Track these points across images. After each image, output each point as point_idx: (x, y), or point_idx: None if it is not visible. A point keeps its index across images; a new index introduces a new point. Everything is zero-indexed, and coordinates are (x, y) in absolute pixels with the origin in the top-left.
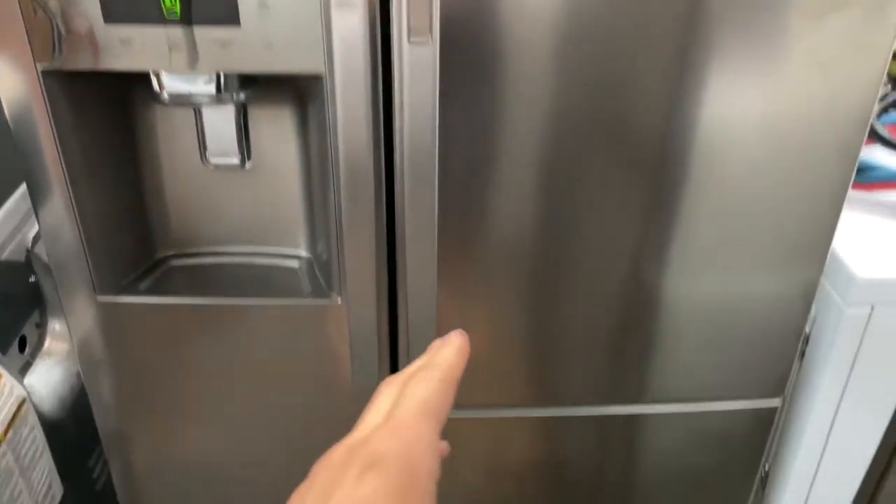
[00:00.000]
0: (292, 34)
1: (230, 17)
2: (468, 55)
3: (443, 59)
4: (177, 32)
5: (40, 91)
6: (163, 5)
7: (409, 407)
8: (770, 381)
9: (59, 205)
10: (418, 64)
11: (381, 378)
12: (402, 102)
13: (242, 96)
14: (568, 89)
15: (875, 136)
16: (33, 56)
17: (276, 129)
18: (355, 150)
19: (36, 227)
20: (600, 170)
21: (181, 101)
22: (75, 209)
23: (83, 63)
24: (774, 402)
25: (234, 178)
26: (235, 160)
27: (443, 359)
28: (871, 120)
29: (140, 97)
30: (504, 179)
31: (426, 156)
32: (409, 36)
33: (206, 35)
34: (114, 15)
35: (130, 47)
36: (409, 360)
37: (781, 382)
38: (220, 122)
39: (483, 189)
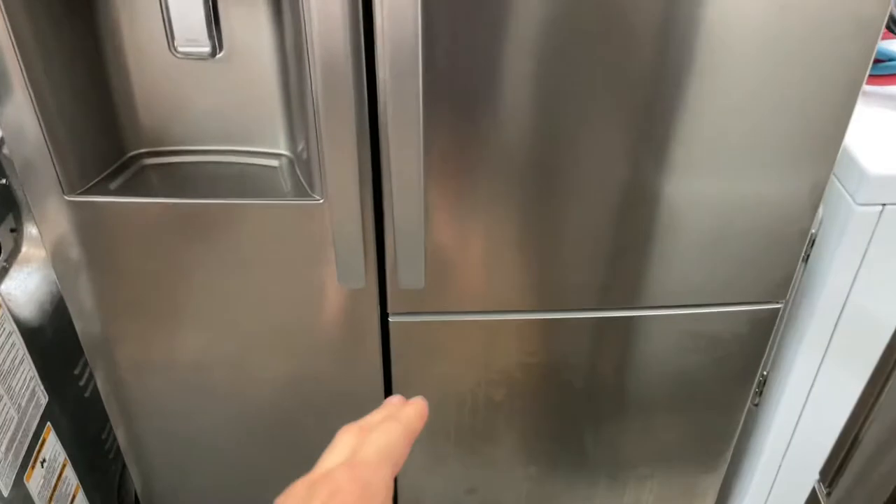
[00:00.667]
0: None
1: None
2: None
3: None
4: None
5: None
6: None
7: (370, 451)
8: (772, 285)
9: (19, 101)
10: None
11: (367, 280)
12: None
13: None
14: None
15: None
16: None
17: (249, 13)
18: (331, 35)
19: None
20: (597, 61)
21: None
22: (35, 105)
23: None
24: (776, 306)
25: (206, 69)
26: (206, 48)
27: (406, 416)
28: (890, 8)
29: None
30: (494, 67)
31: (408, 40)
32: None
33: None
34: None
35: None
36: (395, 261)
37: (784, 286)
38: (188, 5)
39: (471, 77)
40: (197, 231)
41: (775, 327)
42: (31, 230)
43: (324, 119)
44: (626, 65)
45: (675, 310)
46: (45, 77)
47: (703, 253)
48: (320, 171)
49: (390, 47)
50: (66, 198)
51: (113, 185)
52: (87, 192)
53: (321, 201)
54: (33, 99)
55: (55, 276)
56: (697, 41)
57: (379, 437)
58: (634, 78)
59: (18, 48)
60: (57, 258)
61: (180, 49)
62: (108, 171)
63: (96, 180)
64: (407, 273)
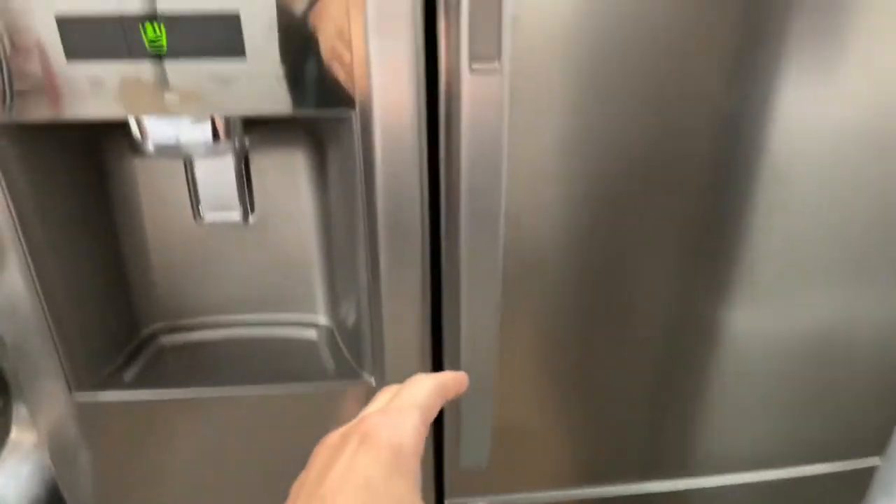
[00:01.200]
0: (312, 67)
1: (232, 47)
2: (538, 82)
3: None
4: (163, 69)
5: None
6: (144, 37)
7: (401, 399)
8: (866, 438)
9: (17, 283)
10: (482, 96)
11: (424, 481)
12: (458, 144)
13: (246, 142)
14: (637, 112)
15: None
16: None
17: (286, 175)
18: (400, 203)
19: None
20: (672, 202)
21: (169, 152)
22: (38, 287)
23: (40, 113)
24: (870, 462)
25: (235, 233)
26: (236, 215)
27: (443, 375)
28: None
29: (116, 146)
30: (568, 223)
31: (490, 205)
32: (470, 62)
33: (201, 71)
34: (80, 50)
35: (102, 89)
36: (458, 439)
37: (881, 439)
38: (217, 173)
39: (544, 239)
40: (224, 423)
41: (872, 486)
42: (21, 410)
43: (386, 290)
44: (696, 204)
45: (750, 474)
46: (49, 253)
47: (783, 405)
48: (373, 347)
49: (469, 213)
50: (74, 397)
51: (127, 376)
52: (98, 386)
53: (373, 382)
54: (36, 280)
55: (51, 464)
56: (769, 160)
57: (411, 388)
58: (706, 213)
59: (19, 223)
60: (57, 458)
61: (207, 217)
62: (122, 355)
63: (108, 371)
64: (470, 452)
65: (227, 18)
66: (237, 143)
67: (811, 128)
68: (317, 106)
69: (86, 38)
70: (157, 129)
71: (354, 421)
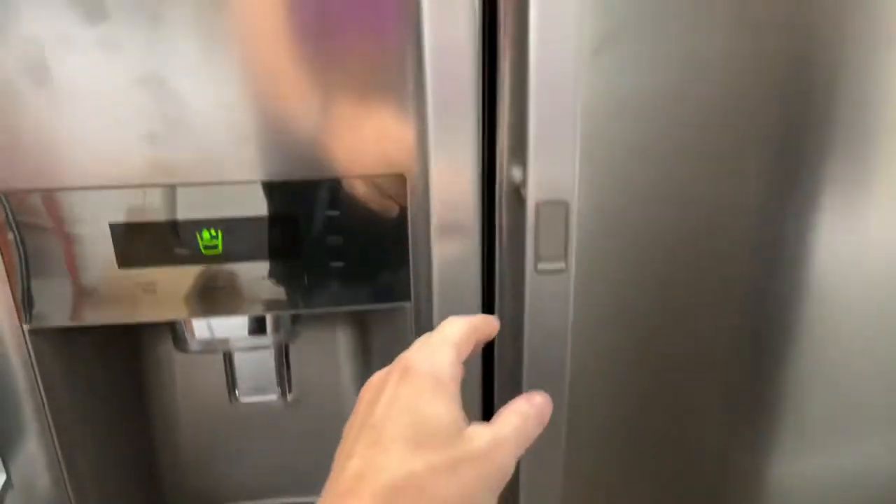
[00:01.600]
0: (370, 265)
1: (288, 248)
2: (602, 278)
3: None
4: (218, 271)
5: (27, 353)
6: (199, 241)
7: (436, 338)
8: None
9: (41, 468)
10: (549, 296)
11: None
12: (520, 338)
13: (291, 333)
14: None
15: None
16: (19, 316)
17: (325, 353)
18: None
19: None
20: (715, 350)
21: (213, 347)
22: (64, 473)
23: (87, 318)
24: None
25: (271, 412)
26: (273, 397)
27: (474, 316)
28: None
29: (154, 338)
30: (607, 379)
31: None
32: (535, 263)
33: (255, 271)
34: (133, 258)
35: (154, 295)
36: None
37: None
38: (256, 359)
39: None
40: None
41: None
42: None
43: None
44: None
45: None
46: (75, 433)
47: None
48: None
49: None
50: None
51: None
52: None
53: None
54: (61, 461)
55: None
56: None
57: (444, 328)
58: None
59: (53, 422)
60: None
61: (244, 400)
62: None
63: None
64: None
65: (285, 221)
66: (283, 336)
67: (854, 265)
68: (373, 301)
69: (140, 244)
70: (201, 328)
71: (394, 362)
